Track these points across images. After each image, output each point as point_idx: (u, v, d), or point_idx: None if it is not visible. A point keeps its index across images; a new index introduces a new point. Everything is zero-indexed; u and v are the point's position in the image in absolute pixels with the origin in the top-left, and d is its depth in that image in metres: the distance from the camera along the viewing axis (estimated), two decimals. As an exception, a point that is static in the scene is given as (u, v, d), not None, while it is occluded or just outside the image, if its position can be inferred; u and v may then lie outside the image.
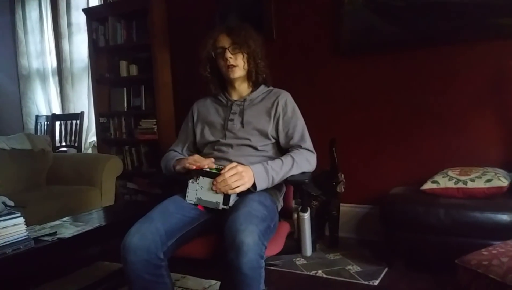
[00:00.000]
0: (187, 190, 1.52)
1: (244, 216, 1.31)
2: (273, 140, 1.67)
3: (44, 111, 4.47)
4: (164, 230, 1.37)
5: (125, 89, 3.62)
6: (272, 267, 2.34)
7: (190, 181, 1.51)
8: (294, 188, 1.76)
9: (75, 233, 1.81)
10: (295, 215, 1.58)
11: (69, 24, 4.11)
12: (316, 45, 2.90)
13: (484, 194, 2.11)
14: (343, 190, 2.62)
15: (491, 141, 2.45)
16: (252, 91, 1.73)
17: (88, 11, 3.73)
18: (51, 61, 4.40)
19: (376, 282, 2.14)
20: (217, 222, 1.44)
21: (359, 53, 2.77)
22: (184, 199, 1.52)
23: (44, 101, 4.49)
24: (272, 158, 1.58)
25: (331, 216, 2.67)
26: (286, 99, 1.70)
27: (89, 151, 4.07)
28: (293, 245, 1.58)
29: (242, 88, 1.73)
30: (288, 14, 2.98)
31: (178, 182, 1.64)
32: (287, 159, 1.55)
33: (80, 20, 3.99)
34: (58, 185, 2.98)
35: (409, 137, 2.66)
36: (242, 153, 1.61)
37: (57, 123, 4.09)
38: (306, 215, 1.54)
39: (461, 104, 2.50)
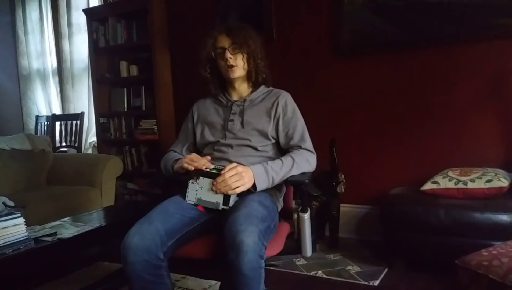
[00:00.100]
0: (187, 190, 1.52)
1: (244, 216, 1.30)
2: (273, 141, 1.67)
3: (44, 112, 4.47)
4: (164, 230, 1.37)
5: (125, 89, 3.62)
6: (272, 268, 2.34)
7: (190, 181, 1.51)
8: (294, 188, 1.76)
9: (75, 234, 1.81)
10: (295, 216, 1.58)
11: (69, 25, 4.12)
12: (316, 45, 2.90)
13: (484, 194, 2.11)
14: (343, 190, 2.62)
15: (491, 142, 2.45)
16: (252, 92, 1.73)
17: (88, 11, 3.73)
18: (51, 62, 4.41)
19: (376, 283, 2.14)
20: (217, 223, 1.44)
21: (359, 53, 2.77)
22: (184, 199, 1.52)
23: (44, 101, 4.49)
24: (272, 159, 1.58)
25: (331, 216, 2.67)
26: (286, 99, 1.70)
27: (89, 151, 4.07)
28: (293, 245, 1.58)
29: (242, 88, 1.73)
30: (288, 14, 2.98)
31: (178, 182, 1.64)
32: (287, 159, 1.55)
33: (80, 20, 4.00)
34: (58, 186, 2.98)
35: (409, 137, 2.66)
36: (242, 154, 1.61)
37: (57, 124, 4.09)
38: (306, 216, 1.54)
39: (461, 104, 2.50)
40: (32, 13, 4.43)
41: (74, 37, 4.11)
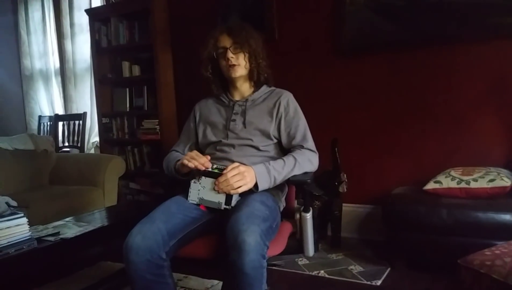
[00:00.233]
0: (189, 190, 1.52)
1: (246, 216, 1.31)
2: (275, 140, 1.67)
3: (47, 112, 4.48)
4: (166, 230, 1.37)
5: (127, 89, 3.63)
6: (274, 267, 2.34)
7: (192, 181, 1.51)
8: (296, 188, 1.76)
9: (77, 233, 1.82)
10: (297, 215, 1.58)
11: (72, 25, 4.12)
12: (318, 45, 2.90)
13: (487, 194, 2.10)
14: (345, 190, 2.62)
15: (493, 141, 2.44)
16: (254, 91, 1.73)
17: (90, 11, 3.74)
18: (54, 62, 4.41)
19: (379, 282, 2.14)
20: (219, 222, 1.44)
21: (360, 53, 2.76)
22: (186, 199, 1.53)
23: (47, 101, 4.50)
24: (274, 158, 1.58)
25: (334, 216, 2.67)
26: (288, 99, 1.70)
27: (92, 151, 4.08)
28: (295, 245, 1.58)
29: (244, 88, 1.73)
30: (290, 14, 2.97)
31: (180, 182, 1.64)
32: (289, 159, 1.55)
33: (82, 20, 4.00)
34: (61, 186, 2.99)
35: (412, 137, 2.65)
36: (244, 154, 1.61)
37: (60, 124, 4.10)
38: (308, 215, 1.54)
39: (463, 103, 2.50)
40: (35, 13, 4.44)
41: (76, 37, 4.12)
